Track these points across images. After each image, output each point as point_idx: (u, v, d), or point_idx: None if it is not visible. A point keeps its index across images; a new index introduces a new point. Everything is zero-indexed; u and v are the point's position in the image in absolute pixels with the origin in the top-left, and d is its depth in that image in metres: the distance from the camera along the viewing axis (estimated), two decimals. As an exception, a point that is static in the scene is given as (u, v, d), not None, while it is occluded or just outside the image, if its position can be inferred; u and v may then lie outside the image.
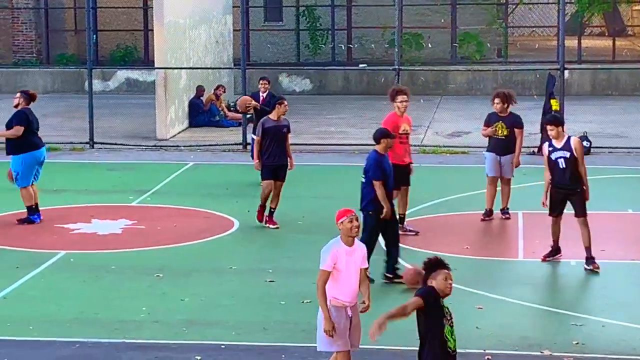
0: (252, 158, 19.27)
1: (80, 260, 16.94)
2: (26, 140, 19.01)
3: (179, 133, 27.89)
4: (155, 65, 27.74)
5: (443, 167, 24.35)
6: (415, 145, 26.16)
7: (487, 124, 19.26)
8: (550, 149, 16.03)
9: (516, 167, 18.71)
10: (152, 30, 28.86)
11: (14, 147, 18.96)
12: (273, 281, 15.69)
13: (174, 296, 15.13)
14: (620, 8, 44.26)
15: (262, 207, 18.69)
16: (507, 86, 26.37)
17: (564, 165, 15.76)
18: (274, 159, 18.42)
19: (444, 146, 26.21)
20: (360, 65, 36.25)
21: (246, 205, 20.01)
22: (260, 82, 22.71)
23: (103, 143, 26.75)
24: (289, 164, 18.78)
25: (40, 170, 19.42)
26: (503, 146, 18.87)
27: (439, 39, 38.36)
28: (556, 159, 15.87)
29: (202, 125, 28.56)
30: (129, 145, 26.75)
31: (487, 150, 19.43)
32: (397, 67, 26.71)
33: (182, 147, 26.47)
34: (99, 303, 14.88)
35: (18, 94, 19.70)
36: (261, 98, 21.85)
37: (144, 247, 17.64)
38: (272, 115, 18.48)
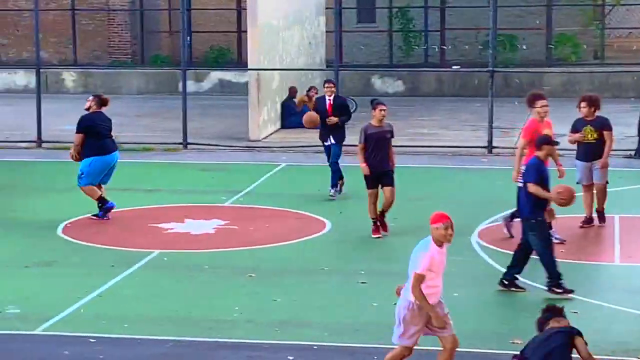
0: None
1: (173, 259, 17.13)
2: (93, 144, 19.23)
3: (271, 134, 27.99)
4: (249, 67, 27.84)
5: None
6: (509, 148, 26.03)
7: (575, 130, 19.01)
8: None
9: (602, 167, 18.37)
10: (246, 31, 28.93)
11: (85, 149, 19.25)
12: (365, 282, 15.68)
13: (266, 296, 15.18)
14: None
15: (375, 222, 18.24)
16: (604, 89, 26.24)
17: None
18: (377, 166, 18.01)
19: None
20: (454, 67, 36.09)
21: (338, 207, 20.06)
22: (325, 85, 21.60)
23: (196, 144, 26.93)
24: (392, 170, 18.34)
25: (112, 173, 19.78)
26: (593, 151, 18.55)
27: (534, 40, 38.03)
28: None
29: (295, 126, 28.59)
30: (221, 146, 26.91)
31: (576, 158, 19.08)
32: (491, 68, 26.55)
33: (275, 148, 26.57)
34: (193, 302, 15.00)
35: (90, 97, 19.96)
36: (328, 103, 20.92)
37: (237, 247, 17.73)
38: (373, 121, 18.04)
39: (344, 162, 21.19)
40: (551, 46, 37.56)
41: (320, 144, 24.75)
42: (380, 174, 18.05)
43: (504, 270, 15.91)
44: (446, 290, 15.31)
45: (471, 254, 17.21)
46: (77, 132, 19.32)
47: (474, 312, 14.49)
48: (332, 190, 20.67)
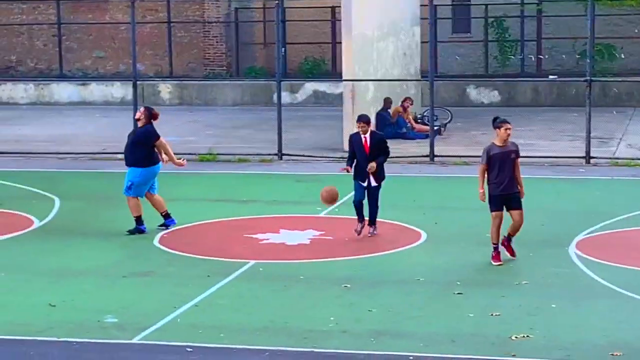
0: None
1: (269, 270, 17.25)
2: (146, 155, 19.51)
3: (366, 144, 28.03)
4: (343, 77, 27.93)
5: (637, 179, 23.91)
6: (607, 158, 25.87)
7: None
8: None
9: None
10: (340, 42, 29.06)
11: (137, 160, 19.52)
12: (461, 293, 15.65)
13: (361, 306, 15.18)
14: None
15: (496, 247, 17.42)
16: None
17: None
18: (503, 188, 17.22)
19: (638, 158, 25.77)
20: (550, 77, 35.92)
21: (434, 217, 20.04)
22: (358, 125, 18.76)
23: (291, 155, 27.06)
24: (520, 192, 17.51)
25: (156, 182, 20.07)
26: None
27: (632, 49, 37.72)
28: None
29: (390, 137, 28.44)
30: (316, 156, 27.00)
31: None
32: (588, 78, 26.41)
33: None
34: (288, 312, 15.05)
35: (142, 109, 20.20)
36: (364, 140, 18.59)
37: (332, 258, 17.79)
38: (497, 141, 17.26)
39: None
40: (651, 55, 37.29)
41: (415, 155, 24.78)
42: (507, 196, 17.34)
43: (601, 281, 15.80)
44: (544, 302, 15.31)
45: (569, 265, 17.12)
46: (158, 137, 19.78)
47: (572, 324, 14.39)
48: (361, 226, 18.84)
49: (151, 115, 19.97)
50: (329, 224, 19.94)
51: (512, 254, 17.53)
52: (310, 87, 36.17)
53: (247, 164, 26.43)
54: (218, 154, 27.17)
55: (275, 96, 28.83)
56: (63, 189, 23.07)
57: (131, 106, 28.77)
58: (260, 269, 17.21)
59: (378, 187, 18.75)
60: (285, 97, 31.77)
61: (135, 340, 13.82)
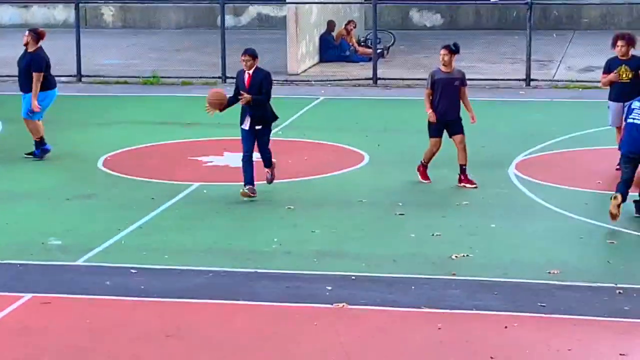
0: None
1: (213, 191, 17.38)
2: (46, 80, 19.44)
3: (309, 68, 28.11)
4: (287, 0, 27.83)
5: (575, 102, 24.15)
6: (546, 80, 26.07)
7: (607, 71, 18.45)
8: None
9: None
10: (284, -36, 28.99)
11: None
12: (403, 214, 15.87)
13: (305, 228, 15.40)
14: None
15: (424, 166, 17.76)
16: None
17: None
18: (443, 113, 17.25)
19: (577, 81, 26.00)
20: (492, 0, 35.95)
21: (376, 139, 20.15)
22: (242, 58, 17.37)
23: (234, 77, 27.00)
24: (470, 117, 17.59)
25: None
26: (628, 91, 17.81)
27: None
28: None
29: (333, 60, 28.70)
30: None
31: (609, 99, 18.48)
32: (529, 1, 26.54)
33: (313, 82, 26.65)
34: (232, 233, 15.24)
35: (27, 33, 19.89)
36: (247, 77, 17.06)
37: (276, 180, 17.81)
38: (441, 66, 17.22)
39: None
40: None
41: (358, 77, 24.74)
42: (447, 123, 17.45)
43: (540, 201, 16.02)
44: (483, 222, 15.52)
45: (508, 185, 17.36)
46: (38, 71, 19.33)
47: (511, 243, 14.65)
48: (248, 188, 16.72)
49: (39, 36, 19.70)
50: (272, 147, 19.96)
51: (469, 182, 17.53)
52: (254, 10, 36.07)
53: (190, 87, 26.41)
54: (162, 77, 27.11)
55: (219, 19, 28.71)
56: (4, 112, 22.94)
57: (73, 29, 28.55)
58: (205, 191, 17.35)
59: (265, 131, 16.93)
60: (229, 20, 31.68)
61: (79, 262, 13.96)
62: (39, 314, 12.36)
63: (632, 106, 15.97)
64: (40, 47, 19.44)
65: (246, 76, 16.81)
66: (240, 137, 16.92)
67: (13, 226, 15.54)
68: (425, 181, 17.63)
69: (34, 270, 13.69)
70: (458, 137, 17.39)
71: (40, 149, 19.32)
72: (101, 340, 11.61)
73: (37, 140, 19.32)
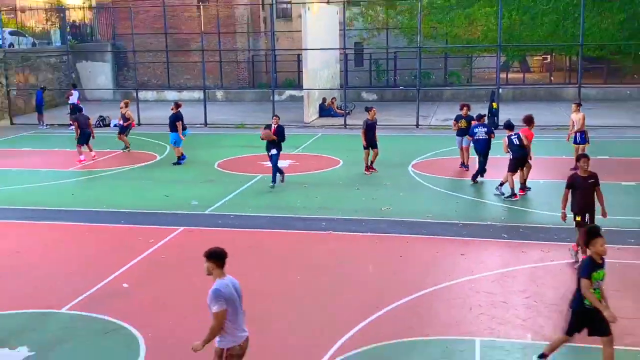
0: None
1: (268, 179, 16.65)
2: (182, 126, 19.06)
3: (313, 120, 27.98)
4: (304, 88, 27.74)
5: (439, 135, 23.54)
6: (426, 125, 25.58)
7: (456, 121, 17.67)
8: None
9: None
10: (302, 71, 28.90)
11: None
12: (359, 189, 15.94)
13: (312, 195, 15.40)
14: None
15: (367, 167, 18.07)
16: None
17: None
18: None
19: (440, 126, 25.45)
20: (401, 87, 35.58)
21: (346, 153, 20.04)
22: (273, 119, 16.53)
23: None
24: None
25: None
26: (465, 131, 17.18)
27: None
28: None
29: (325, 116, 28.70)
30: (292, 125, 26.85)
31: (457, 135, 17.72)
32: (418, 87, 26.42)
33: (315, 126, 26.57)
34: (278, 199, 15.16)
35: (174, 104, 19.33)
36: (273, 127, 16.16)
37: (299, 172, 17.69)
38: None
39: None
40: None
41: (336, 124, 24.36)
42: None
43: (423, 182, 16.01)
44: (396, 192, 15.51)
45: (408, 174, 17.34)
46: (178, 121, 18.87)
47: (410, 202, 14.77)
48: (273, 184, 16.12)
49: (177, 105, 19.16)
50: (297, 157, 20.04)
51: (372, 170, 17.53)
52: (288, 92, 36.01)
53: (257, 130, 26.28)
54: (245, 124, 26.80)
55: (271, 97, 28.73)
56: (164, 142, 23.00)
57: (202, 101, 28.33)
58: (265, 178, 17.01)
59: (277, 155, 16.04)
60: (276, 97, 31.57)
61: (206, 212, 14.17)
62: (187, 237, 12.62)
63: (475, 130, 16.15)
64: (179, 110, 19.06)
65: (273, 127, 16.01)
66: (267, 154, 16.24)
67: (172, 196, 15.59)
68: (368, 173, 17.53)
69: (184, 216, 13.93)
70: (375, 150, 17.43)
71: (180, 160, 19.15)
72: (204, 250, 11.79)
73: (178, 156, 19.18)
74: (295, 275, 10.49)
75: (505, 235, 12.21)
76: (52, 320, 9.01)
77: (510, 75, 38.29)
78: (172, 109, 19.20)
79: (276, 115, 16.56)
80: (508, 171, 14.75)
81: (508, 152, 14.84)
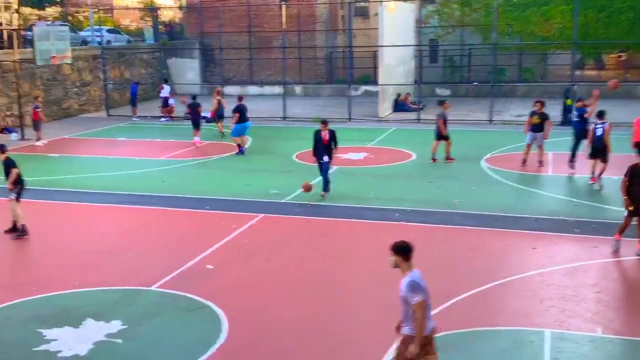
0: None
1: (346, 170, 17.02)
2: (241, 117, 19.59)
3: (388, 114, 27.90)
4: (379, 83, 27.60)
5: (512, 131, 22.87)
6: (499, 120, 25.02)
7: (530, 116, 17.24)
8: None
9: None
10: (377, 67, 28.70)
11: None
12: (432, 181, 15.77)
13: (387, 187, 15.34)
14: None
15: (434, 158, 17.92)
16: None
17: None
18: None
19: (513, 122, 24.79)
20: (474, 83, 34.97)
21: (419, 147, 19.82)
22: (322, 125, 14.54)
23: (357, 119, 26.76)
24: None
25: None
26: (538, 127, 16.83)
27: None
28: None
29: (399, 111, 28.51)
30: (367, 120, 26.76)
31: (529, 131, 17.22)
32: (492, 83, 25.89)
33: (389, 121, 26.47)
34: (353, 188, 15.17)
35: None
36: (324, 134, 14.47)
37: (372, 165, 17.74)
38: None
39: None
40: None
41: (411, 118, 24.08)
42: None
43: (495, 176, 15.73)
44: (468, 185, 15.27)
45: (480, 169, 17.12)
46: (235, 112, 19.63)
47: (481, 195, 14.55)
48: (325, 192, 14.52)
49: (239, 99, 20.12)
50: (372, 150, 20.03)
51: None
52: (364, 88, 35.80)
53: (332, 124, 26.30)
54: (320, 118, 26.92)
55: (347, 92, 28.73)
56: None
57: (281, 96, 28.59)
58: (341, 169, 17.07)
59: (328, 162, 14.43)
60: (352, 92, 31.47)
61: (284, 200, 14.34)
62: (266, 224, 12.83)
63: (597, 127, 14.86)
64: (242, 102, 19.82)
65: (323, 134, 14.28)
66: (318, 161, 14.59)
67: (253, 185, 15.80)
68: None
69: (263, 204, 14.14)
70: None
71: (240, 151, 19.55)
72: (293, 235, 11.98)
73: (237, 145, 19.66)
74: (367, 263, 10.51)
75: (577, 230, 11.88)
76: (143, 297, 9.36)
77: (585, 73, 37.00)
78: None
79: (324, 121, 14.56)
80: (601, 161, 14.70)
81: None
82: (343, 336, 8.02)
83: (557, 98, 26.72)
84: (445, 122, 17.95)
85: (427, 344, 5.96)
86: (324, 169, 14.43)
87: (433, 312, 8.50)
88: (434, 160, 18.00)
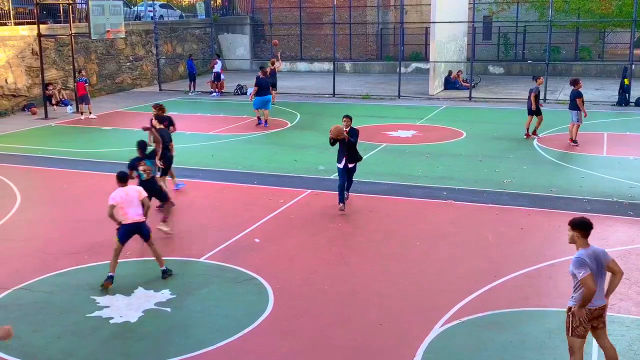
0: None
1: (391, 148, 17.11)
2: (260, 90, 20.06)
3: (438, 92, 27.67)
4: (430, 60, 27.34)
5: (563, 110, 22.97)
6: (554, 100, 24.52)
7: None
8: None
9: None
10: (428, 44, 28.42)
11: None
12: (481, 161, 15.59)
13: (434, 165, 15.22)
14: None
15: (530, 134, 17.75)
16: None
17: None
18: None
19: (564, 100, 24.65)
20: (529, 61, 34.21)
21: (470, 126, 19.71)
22: (343, 120, 11.95)
23: (407, 97, 26.64)
24: None
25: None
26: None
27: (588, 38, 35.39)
28: None
29: (450, 89, 28.22)
30: (417, 97, 26.60)
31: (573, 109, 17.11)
32: (547, 62, 25.31)
33: (440, 99, 26.22)
34: (398, 167, 15.09)
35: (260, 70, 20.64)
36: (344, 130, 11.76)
37: (421, 143, 17.64)
38: None
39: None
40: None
41: (462, 96, 23.69)
42: None
43: (547, 156, 15.45)
44: (520, 165, 15.05)
45: (533, 148, 16.87)
46: (255, 86, 20.15)
47: (532, 176, 14.33)
48: (342, 205, 11.94)
49: (263, 71, 21.33)
50: (421, 128, 19.91)
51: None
52: (414, 65, 35.50)
53: (383, 101, 26.17)
54: (370, 95, 26.84)
55: (398, 69, 28.48)
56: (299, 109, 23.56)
57: (331, 72, 28.40)
58: (388, 147, 17.20)
59: (354, 169, 12.04)
60: (403, 70, 31.20)
61: (332, 177, 14.27)
62: (313, 199, 12.89)
63: None
64: (263, 76, 20.25)
65: (344, 130, 11.65)
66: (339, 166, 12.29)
67: (301, 160, 15.86)
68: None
69: (311, 180, 14.21)
70: None
71: (259, 123, 20.09)
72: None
73: (257, 117, 20.33)
74: (415, 241, 10.47)
75: (631, 213, 11.58)
76: (192, 268, 9.54)
77: (644, 52, 35.80)
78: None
79: (347, 116, 12.00)
80: None
81: None
82: (387, 312, 8.03)
83: (615, 77, 25.98)
84: (537, 97, 17.65)
85: (594, 318, 6.23)
86: (342, 174, 11.88)
87: (481, 291, 8.50)
88: (527, 135, 17.82)
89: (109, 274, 8.85)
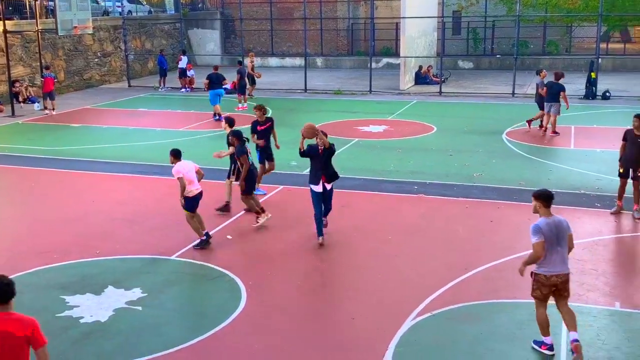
0: None
1: (363, 143, 17.14)
2: (211, 85, 20.60)
3: (409, 87, 27.76)
4: (400, 55, 27.39)
5: (533, 104, 23.24)
6: (522, 94, 24.74)
7: (543, 87, 17.77)
8: None
9: None
10: (399, 39, 28.48)
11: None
12: (452, 155, 15.75)
13: (406, 160, 15.28)
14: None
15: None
16: None
17: None
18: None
19: (532, 94, 24.95)
20: (497, 55, 34.47)
21: (439, 120, 19.85)
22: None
23: (377, 91, 26.64)
24: None
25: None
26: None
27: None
28: None
29: (421, 84, 28.35)
30: (387, 92, 26.71)
31: (545, 101, 17.60)
32: (515, 56, 25.48)
33: (410, 94, 26.30)
34: (373, 162, 15.14)
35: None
36: (320, 150, 9.83)
37: (392, 138, 17.67)
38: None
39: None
40: None
41: (432, 91, 23.78)
42: None
43: (516, 149, 15.61)
44: (489, 159, 15.18)
45: (501, 142, 17.01)
46: (206, 79, 20.71)
47: (502, 169, 14.46)
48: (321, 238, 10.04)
49: (215, 68, 21.90)
50: (392, 123, 19.96)
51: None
52: (385, 60, 35.62)
53: (354, 96, 26.23)
54: (342, 91, 26.83)
55: (369, 64, 28.51)
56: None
57: (303, 68, 28.29)
58: (360, 142, 17.21)
59: (332, 190, 10.12)
60: (374, 65, 31.20)
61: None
62: (286, 195, 12.88)
63: None
64: (214, 72, 20.77)
65: (320, 150, 9.85)
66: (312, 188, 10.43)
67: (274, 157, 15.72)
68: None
69: (283, 175, 14.09)
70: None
71: (219, 118, 20.01)
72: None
73: (216, 113, 20.46)
74: (387, 235, 10.51)
75: (598, 204, 11.77)
76: (163, 265, 9.46)
77: (610, 46, 36.27)
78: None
79: (326, 133, 10.22)
80: None
81: None
82: (360, 306, 8.06)
83: (582, 71, 26.33)
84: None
85: (554, 285, 6.60)
86: (318, 202, 9.97)
87: (451, 283, 8.58)
88: (545, 130, 17.71)
89: (205, 234, 9.96)
